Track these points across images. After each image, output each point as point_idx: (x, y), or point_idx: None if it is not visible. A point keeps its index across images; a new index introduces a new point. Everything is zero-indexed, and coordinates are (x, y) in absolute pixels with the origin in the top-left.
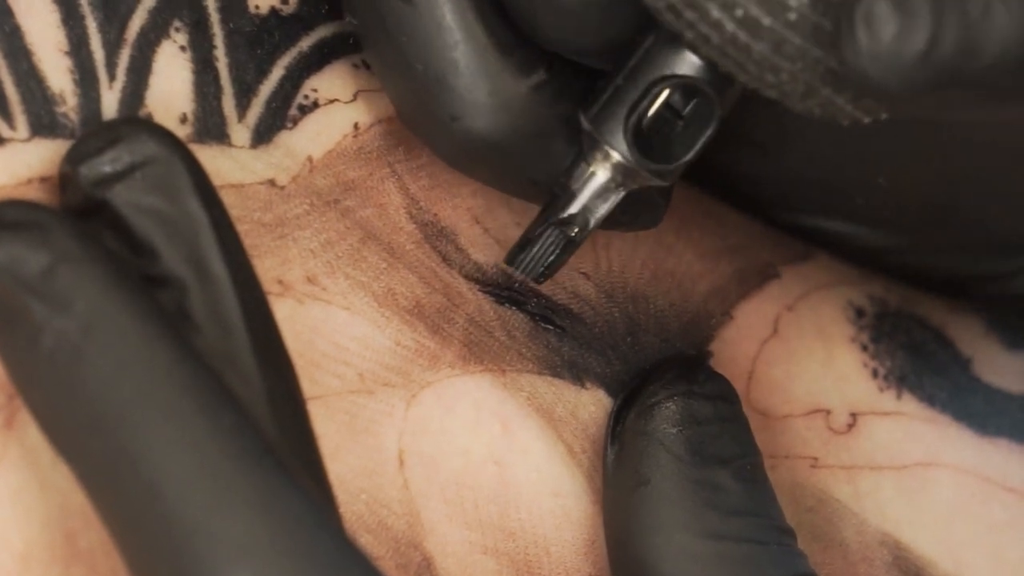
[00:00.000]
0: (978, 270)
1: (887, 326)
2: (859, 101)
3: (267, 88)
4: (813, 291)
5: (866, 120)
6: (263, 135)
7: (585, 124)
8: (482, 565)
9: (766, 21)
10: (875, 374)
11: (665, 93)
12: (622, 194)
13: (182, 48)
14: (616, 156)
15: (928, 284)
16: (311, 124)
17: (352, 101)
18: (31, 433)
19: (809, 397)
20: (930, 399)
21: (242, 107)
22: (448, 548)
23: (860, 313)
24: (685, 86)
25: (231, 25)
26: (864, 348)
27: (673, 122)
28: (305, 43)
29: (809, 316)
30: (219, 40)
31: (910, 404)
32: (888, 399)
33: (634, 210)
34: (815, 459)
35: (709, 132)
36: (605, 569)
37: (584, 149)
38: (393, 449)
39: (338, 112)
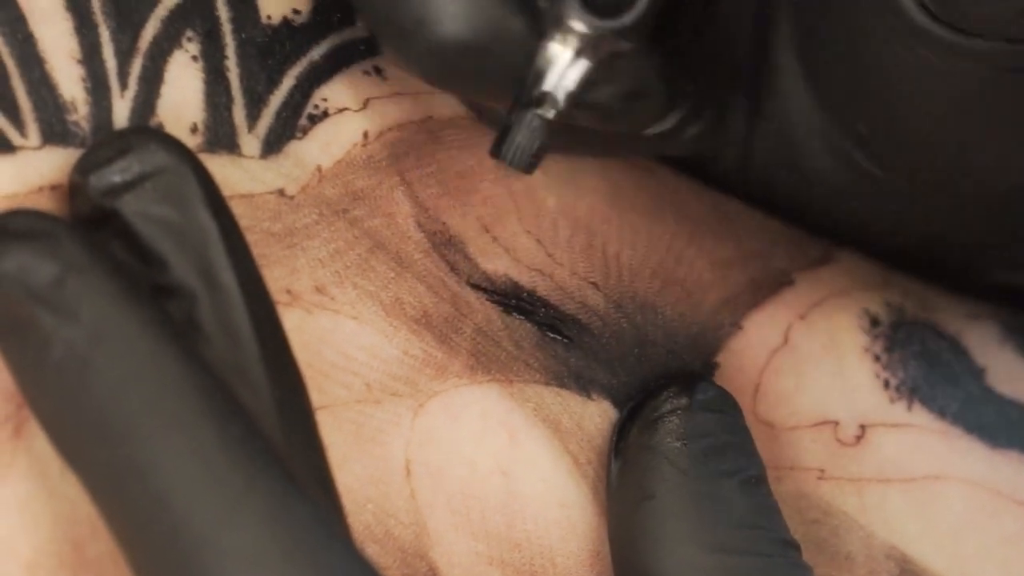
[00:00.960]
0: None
1: (901, 335)
2: None
3: (277, 98)
4: (828, 298)
5: None
6: (273, 145)
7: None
8: None
9: None
10: (887, 385)
11: None
12: (588, 64)
13: (194, 58)
14: (573, 24)
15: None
16: (321, 134)
17: (362, 109)
18: (39, 442)
19: (817, 408)
20: (941, 411)
21: (252, 117)
22: (454, 559)
23: (875, 322)
24: None
25: (243, 35)
26: (877, 359)
27: None
28: (316, 53)
29: (822, 325)
30: (231, 50)
31: (921, 416)
32: (899, 411)
33: (631, 99)
34: (822, 471)
35: None
36: None
37: (544, 25)
38: (400, 459)
39: (348, 121)
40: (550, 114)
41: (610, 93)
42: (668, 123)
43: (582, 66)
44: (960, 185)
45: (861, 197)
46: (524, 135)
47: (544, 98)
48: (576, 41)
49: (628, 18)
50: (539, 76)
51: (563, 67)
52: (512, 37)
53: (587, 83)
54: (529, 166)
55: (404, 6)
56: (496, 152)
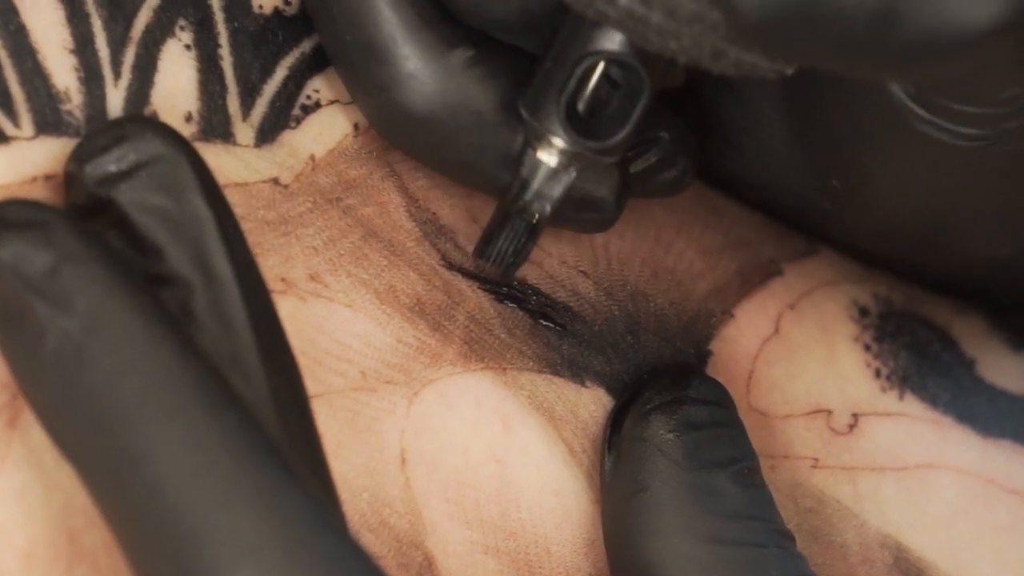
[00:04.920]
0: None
1: (891, 326)
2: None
3: (271, 88)
4: (816, 288)
5: (788, 72)
6: (267, 134)
7: (523, 111)
8: (483, 565)
9: None
10: (878, 374)
11: (599, 69)
12: (573, 175)
13: (187, 47)
14: (556, 141)
15: (928, 285)
16: (313, 124)
17: (352, 102)
18: (34, 432)
19: (810, 397)
20: (933, 400)
21: (246, 106)
22: (449, 548)
23: (864, 312)
24: (609, 61)
25: (236, 24)
26: (867, 348)
27: (613, 97)
28: (308, 44)
29: (812, 314)
30: (224, 39)
31: (913, 405)
32: (890, 400)
33: (581, 209)
34: (815, 459)
35: (641, 104)
36: (605, 569)
37: (527, 136)
38: (395, 447)
39: (339, 113)
40: (534, 219)
41: (568, 206)
42: (638, 166)
43: (569, 176)
44: (931, 245)
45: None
46: (508, 239)
47: (529, 206)
48: (562, 155)
49: (614, 140)
50: (525, 184)
51: (548, 176)
52: (477, 127)
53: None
54: (510, 267)
55: (368, 69)
56: (480, 254)
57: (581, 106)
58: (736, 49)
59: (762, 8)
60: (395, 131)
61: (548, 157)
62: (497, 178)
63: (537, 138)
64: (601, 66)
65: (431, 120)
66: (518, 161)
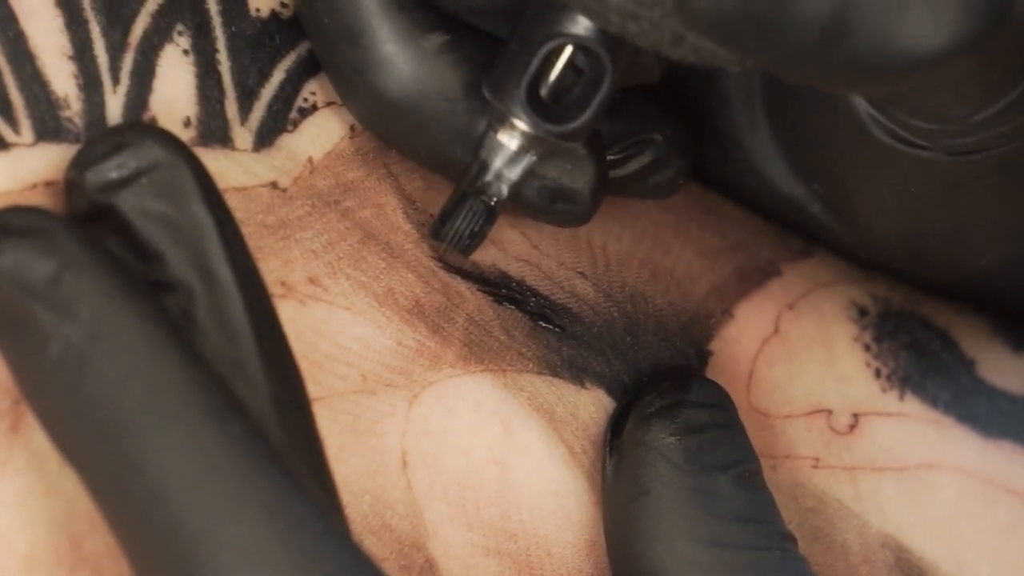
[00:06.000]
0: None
1: (890, 326)
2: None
3: (268, 91)
4: (815, 289)
5: (748, 64)
6: (265, 138)
7: (486, 92)
8: (484, 567)
9: None
10: (878, 374)
11: (565, 54)
12: (533, 159)
13: (185, 52)
14: (518, 122)
15: (926, 291)
16: (311, 127)
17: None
18: (37, 437)
19: (810, 397)
20: (933, 400)
21: (244, 110)
22: (451, 550)
23: (863, 312)
24: (574, 46)
25: (233, 28)
26: (867, 348)
27: (577, 84)
28: (304, 47)
29: (811, 315)
30: (221, 43)
31: (913, 405)
32: (891, 400)
33: (556, 200)
34: (816, 459)
35: (603, 90)
36: (606, 570)
37: (490, 117)
38: (396, 450)
39: (335, 115)
40: (492, 202)
41: (536, 188)
42: (631, 167)
43: (528, 160)
44: (919, 254)
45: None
46: (465, 220)
47: (487, 187)
48: (523, 138)
49: (573, 124)
50: (484, 166)
51: (508, 159)
52: (450, 114)
53: (528, 174)
54: (467, 249)
55: (344, 52)
56: (435, 234)
57: (544, 91)
58: (694, 35)
59: (712, 6)
60: (371, 115)
61: (508, 139)
62: (464, 162)
63: (499, 120)
64: (567, 52)
65: (404, 104)
66: (478, 143)
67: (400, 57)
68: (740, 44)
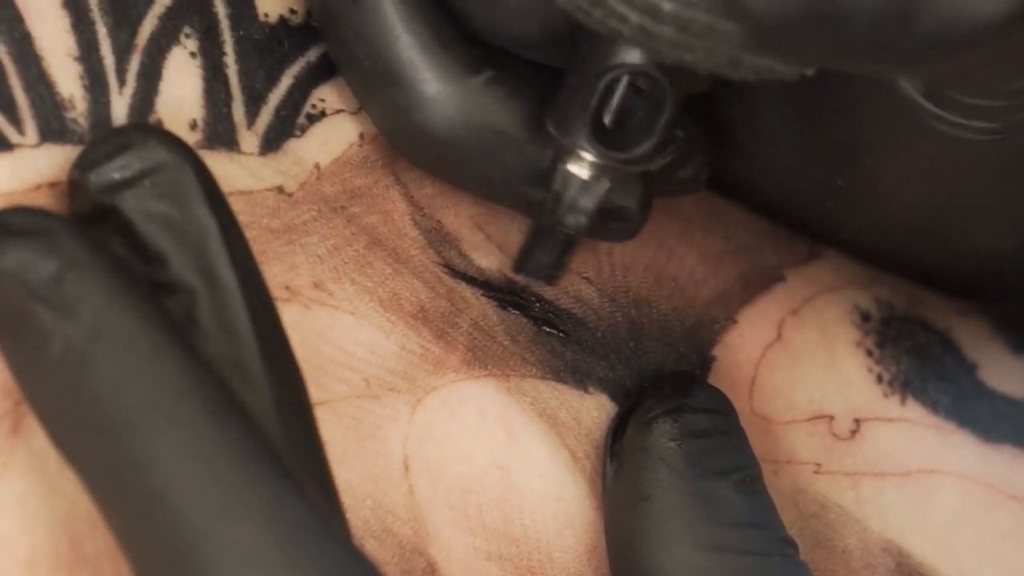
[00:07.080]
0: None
1: (892, 331)
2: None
3: (276, 96)
4: (818, 294)
5: (809, 72)
6: (272, 142)
7: (550, 127)
8: (486, 571)
9: (666, 7)
10: (880, 379)
11: (623, 82)
12: (606, 185)
13: (192, 54)
14: (585, 154)
15: (929, 282)
16: (319, 133)
17: (357, 112)
18: (38, 438)
19: (812, 402)
20: (934, 405)
21: (251, 114)
22: (452, 554)
23: (866, 317)
24: (632, 74)
25: (241, 32)
26: (869, 353)
27: (639, 106)
28: (313, 53)
29: (814, 320)
30: (229, 47)
31: (914, 410)
32: (892, 405)
33: (608, 219)
34: (818, 465)
35: (666, 114)
36: (608, 575)
37: (556, 151)
38: (399, 454)
39: (344, 122)
40: (571, 232)
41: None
42: (657, 164)
43: (601, 187)
44: (934, 238)
45: (836, 220)
46: (545, 253)
47: (564, 219)
48: (592, 168)
49: (640, 150)
50: (558, 198)
51: (581, 189)
52: (499, 146)
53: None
54: (550, 278)
55: (387, 92)
56: (519, 269)
57: (607, 119)
58: (750, 56)
59: (780, 13)
60: (418, 152)
61: (579, 170)
62: (526, 194)
63: (566, 152)
64: (625, 79)
65: (454, 142)
66: (548, 176)
67: (445, 95)
68: (808, 48)
